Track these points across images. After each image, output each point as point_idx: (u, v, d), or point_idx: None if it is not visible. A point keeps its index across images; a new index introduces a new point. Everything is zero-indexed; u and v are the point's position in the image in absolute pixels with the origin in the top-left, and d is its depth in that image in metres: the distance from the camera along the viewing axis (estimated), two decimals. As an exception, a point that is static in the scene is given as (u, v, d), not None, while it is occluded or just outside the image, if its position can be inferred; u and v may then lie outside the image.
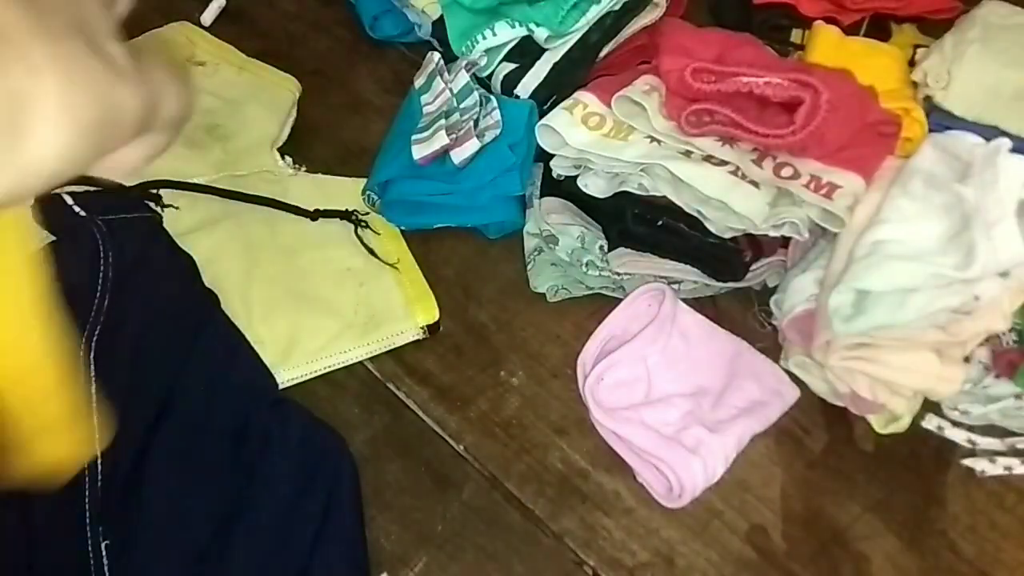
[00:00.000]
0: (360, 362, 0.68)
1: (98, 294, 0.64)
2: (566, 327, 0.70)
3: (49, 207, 0.66)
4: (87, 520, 0.56)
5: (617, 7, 0.78)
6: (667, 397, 0.64)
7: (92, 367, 0.60)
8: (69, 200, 0.68)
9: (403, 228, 0.74)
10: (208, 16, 0.91)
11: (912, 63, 0.75)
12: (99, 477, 0.57)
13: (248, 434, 0.60)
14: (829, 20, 0.78)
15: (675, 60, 0.66)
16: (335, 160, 0.81)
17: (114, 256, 0.66)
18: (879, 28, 0.81)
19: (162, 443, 0.59)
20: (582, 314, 0.70)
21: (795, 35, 0.82)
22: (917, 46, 0.77)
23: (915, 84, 0.73)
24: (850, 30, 0.79)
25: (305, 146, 0.82)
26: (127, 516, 0.56)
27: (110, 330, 0.62)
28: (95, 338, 0.62)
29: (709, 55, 0.66)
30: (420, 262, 0.74)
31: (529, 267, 0.72)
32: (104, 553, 0.55)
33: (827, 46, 0.74)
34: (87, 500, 0.56)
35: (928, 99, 0.72)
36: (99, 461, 0.57)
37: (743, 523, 0.60)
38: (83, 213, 0.68)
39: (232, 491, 0.58)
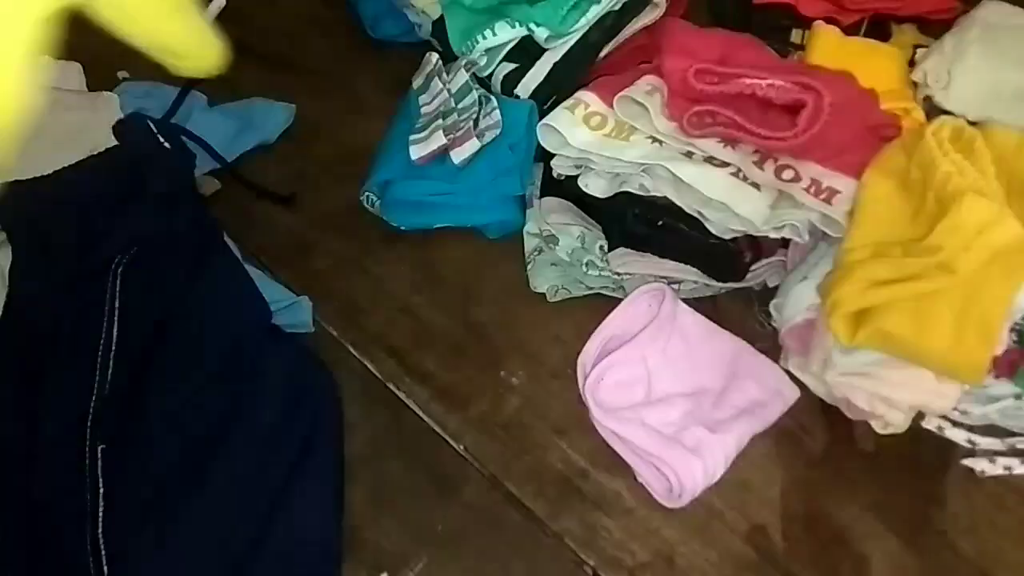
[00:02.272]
0: (360, 362, 0.68)
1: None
2: (566, 327, 0.70)
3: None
4: (88, 423, 0.59)
5: (617, 7, 0.78)
6: (667, 397, 0.64)
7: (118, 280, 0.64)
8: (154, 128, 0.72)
9: (403, 228, 0.74)
10: (207, 16, 0.91)
11: (912, 63, 0.75)
12: (107, 381, 0.61)
13: (242, 357, 0.63)
14: (829, 20, 0.78)
15: (678, 60, 0.65)
16: (335, 160, 0.81)
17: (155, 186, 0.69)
18: (879, 28, 0.81)
19: (162, 358, 0.62)
20: (582, 314, 0.70)
21: (795, 35, 0.82)
22: (917, 46, 0.77)
23: (915, 84, 0.73)
24: (850, 30, 0.79)
25: (305, 146, 0.82)
26: (123, 424, 0.60)
27: (136, 252, 0.66)
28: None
29: (712, 56, 0.66)
30: (420, 262, 0.74)
31: (529, 267, 0.72)
32: (99, 456, 0.58)
33: (827, 46, 0.74)
34: (92, 403, 0.60)
35: (928, 99, 0.72)
36: (110, 366, 0.61)
37: (743, 523, 0.60)
38: (167, 145, 0.72)
39: (221, 411, 0.61)
